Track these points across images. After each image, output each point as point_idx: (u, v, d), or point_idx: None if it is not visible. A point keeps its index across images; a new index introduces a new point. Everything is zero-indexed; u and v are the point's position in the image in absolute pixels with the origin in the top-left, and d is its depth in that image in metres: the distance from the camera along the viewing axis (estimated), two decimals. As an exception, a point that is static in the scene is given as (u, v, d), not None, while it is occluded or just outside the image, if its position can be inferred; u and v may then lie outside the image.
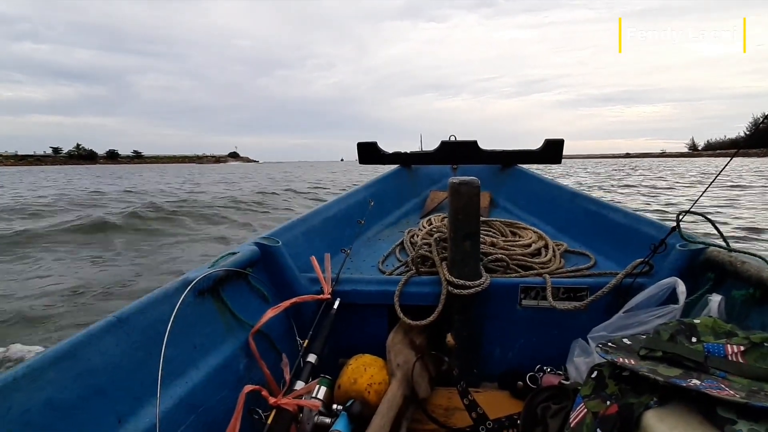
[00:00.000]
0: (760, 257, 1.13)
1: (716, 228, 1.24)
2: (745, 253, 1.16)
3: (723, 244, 1.22)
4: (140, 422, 0.87)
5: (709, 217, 1.25)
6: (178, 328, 1.01)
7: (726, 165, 1.31)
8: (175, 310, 1.00)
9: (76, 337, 0.87)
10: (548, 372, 1.33)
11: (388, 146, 3.07)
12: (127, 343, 0.94)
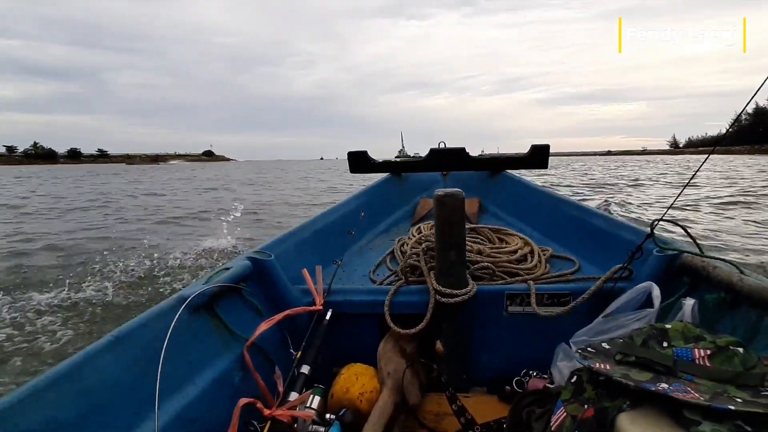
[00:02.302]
0: (731, 262, 1.19)
1: (689, 234, 1.30)
2: (717, 258, 1.22)
3: (697, 250, 1.28)
4: None
5: (681, 224, 1.30)
6: (174, 345, 1.04)
7: (698, 169, 1.36)
8: (171, 328, 1.04)
9: (76, 357, 0.90)
10: (534, 376, 1.38)
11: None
12: (125, 361, 0.97)
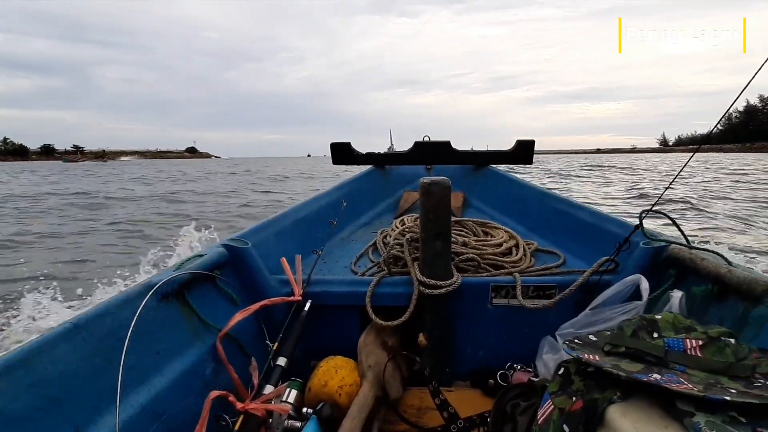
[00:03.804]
0: (718, 254, 1.17)
1: (677, 226, 1.28)
2: (704, 250, 1.20)
3: (684, 241, 1.26)
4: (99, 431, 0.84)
5: (670, 215, 1.29)
6: (140, 334, 0.98)
7: (687, 163, 1.35)
8: (137, 316, 0.97)
9: (29, 345, 0.83)
10: (518, 369, 1.35)
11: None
12: (85, 350, 0.90)
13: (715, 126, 1.36)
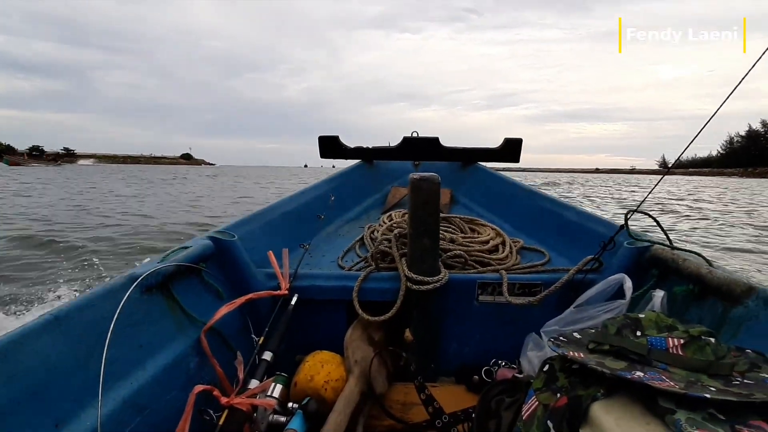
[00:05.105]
0: (699, 255, 1.20)
1: (660, 227, 1.31)
2: (686, 251, 1.23)
3: (667, 242, 1.29)
4: (80, 426, 0.83)
5: (654, 216, 1.31)
6: (122, 327, 0.96)
7: (666, 173, 1.38)
8: (120, 308, 0.95)
9: (7, 336, 0.81)
10: (503, 366, 1.36)
11: None
12: (66, 342, 0.88)
13: (686, 149, 1.34)
